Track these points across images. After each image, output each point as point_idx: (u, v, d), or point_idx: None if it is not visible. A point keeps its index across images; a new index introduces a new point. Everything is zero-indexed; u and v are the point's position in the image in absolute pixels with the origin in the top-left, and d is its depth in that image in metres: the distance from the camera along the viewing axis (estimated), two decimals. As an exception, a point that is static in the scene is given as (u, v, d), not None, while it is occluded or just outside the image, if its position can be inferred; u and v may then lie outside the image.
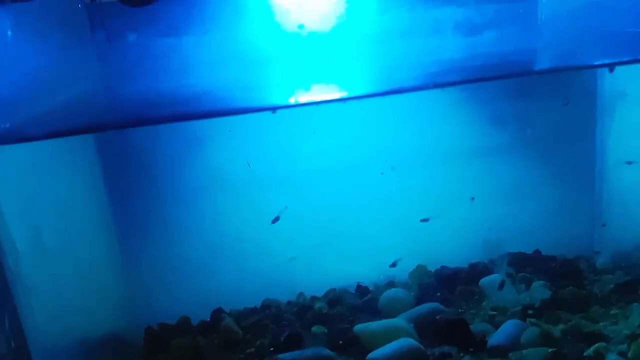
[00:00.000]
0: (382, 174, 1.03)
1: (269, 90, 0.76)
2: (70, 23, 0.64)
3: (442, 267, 1.05)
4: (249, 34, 0.74)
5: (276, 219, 0.99)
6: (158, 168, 0.98)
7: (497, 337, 0.84)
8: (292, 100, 0.74)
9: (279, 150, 1.01)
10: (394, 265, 1.01)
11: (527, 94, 1.05)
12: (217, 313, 0.98)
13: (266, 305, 1.02)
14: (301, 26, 0.74)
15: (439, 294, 0.98)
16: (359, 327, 0.87)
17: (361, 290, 1.04)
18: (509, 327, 0.86)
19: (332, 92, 0.76)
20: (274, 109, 0.73)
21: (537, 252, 1.08)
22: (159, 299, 1.00)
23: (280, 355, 0.81)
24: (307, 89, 0.75)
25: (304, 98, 0.73)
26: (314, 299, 1.04)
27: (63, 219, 0.69)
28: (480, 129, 1.06)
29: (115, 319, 0.86)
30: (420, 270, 1.05)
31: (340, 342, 0.87)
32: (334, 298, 1.01)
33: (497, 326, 0.87)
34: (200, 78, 0.71)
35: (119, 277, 0.93)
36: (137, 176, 0.96)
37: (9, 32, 0.57)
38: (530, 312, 0.89)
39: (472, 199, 1.03)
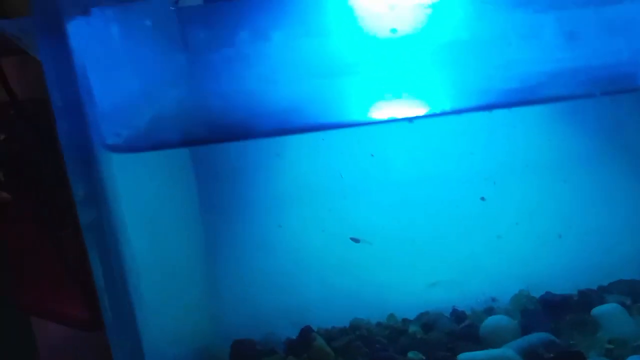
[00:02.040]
0: (482, 199, 0.96)
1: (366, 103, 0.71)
2: (164, 28, 0.62)
3: (547, 293, 0.97)
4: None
5: (356, 240, 0.95)
6: (246, 180, 0.95)
7: (621, 374, 0.76)
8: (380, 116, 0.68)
9: (370, 163, 0.97)
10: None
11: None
12: (307, 332, 0.94)
13: (355, 326, 0.97)
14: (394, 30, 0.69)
15: (545, 323, 0.90)
16: (463, 356, 0.80)
17: (457, 314, 0.97)
18: (633, 363, 0.77)
19: (420, 107, 0.71)
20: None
21: (654, 280, 0.98)
22: (244, 314, 0.97)
23: (381, 383, 0.76)
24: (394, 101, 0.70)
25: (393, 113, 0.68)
26: (405, 321, 0.98)
27: (171, 233, 0.67)
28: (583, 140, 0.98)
29: (208, 334, 0.83)
30: (523, 296, 0.97)
31: (442, 370, 0.81)
32: (428, 322, 0.95)
33: (617, 361, 0.79)
34: (291, 89, 0.67)
35: (207, 291, 0.90)
36: (228, 189, 0.93)
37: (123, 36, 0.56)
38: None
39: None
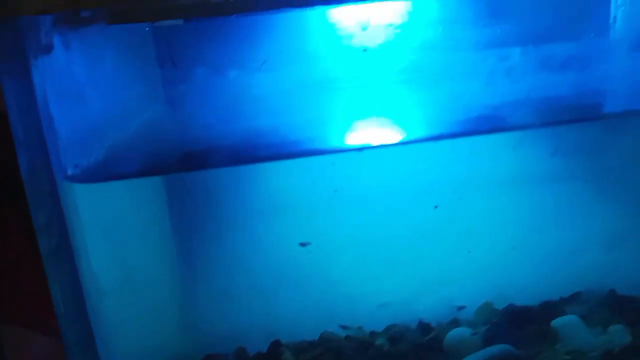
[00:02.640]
0: (436, 207, 0.99)
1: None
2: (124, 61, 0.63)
3: (510, 304, 1.00)
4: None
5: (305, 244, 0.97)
6: (217, 198, 0.97)
7: (576, 385, 0.78)
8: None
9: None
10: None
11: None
12: (276, 346, 0.96)
13: (325, 339, 0.99)
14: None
15: (507, 334, 0.93)
16: (426, 369, 0.83)
17: (423, 327, 0.99)
18: (588, 374, 0.80)
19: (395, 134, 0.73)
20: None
21: (612, 292, 1.01)
22: (216, 329, 0.99)
23: (345, 397, 0.78)
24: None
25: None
26: (373, 334, 1.00)
27: (134, 254, 0.68)
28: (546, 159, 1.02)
29: (178, 350, 0.85)
30: (487, 308, 1.00)
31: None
32: (396, 335, 0.97)
33: (574, 372, 0.82)
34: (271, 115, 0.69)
35: (180, 307, 0.92)
36: (200, 206, 0.95)
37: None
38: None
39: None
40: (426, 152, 0.91)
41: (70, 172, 0.52)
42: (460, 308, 0.98)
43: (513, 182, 0.96)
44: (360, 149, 0.67)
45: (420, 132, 0.66)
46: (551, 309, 0.98)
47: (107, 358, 0.57)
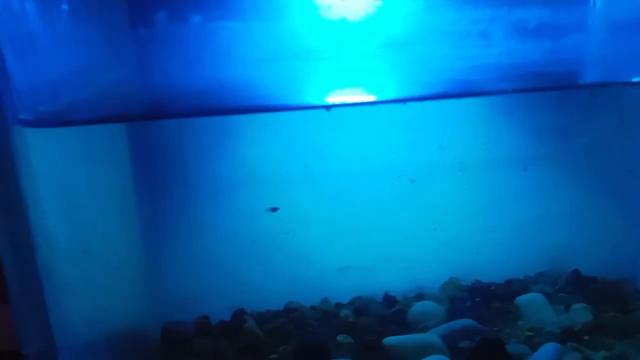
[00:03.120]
0: (399, 177, 0.98)
1: (313, 87, 0.72)
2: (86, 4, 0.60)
3: (476, 281, 1.00)
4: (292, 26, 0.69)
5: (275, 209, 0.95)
6: (185, 162, 0.94)
7: (535, 360, 0.79)
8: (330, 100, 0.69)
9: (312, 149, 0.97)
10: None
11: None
12: (239, 314, 0.94)
13: (290, 309, 0.98)
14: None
15: (472, 310, 0.93)
16: (388, 340, 0.82)
17: (389, 300, 0.99)
18: (547, 350, 0.81)
19: (365, 95, 0.71)
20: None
21: (576, 272, 1.02)
22: (179, 296, 0.97)
23: (306, 365, 0.77)
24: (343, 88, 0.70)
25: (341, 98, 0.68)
26: (339, 305, 1.00)
27: (91, 211, 0.66)
28: (519, 139, 1.01)
29: (135, 316, 0.83)
30: (453, 283, 1.00)
31: (367, 353, 0.82)
32: (361, 307, 0.97)
33: (534, 348, 0.82)
34: (239, 70, 0.67)
35: (140, 271, 0.89)
36: (167, 169, 0.92)
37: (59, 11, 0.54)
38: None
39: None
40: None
41: (23, 116, 0.49)
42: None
43: (494, 160, 0.96)
44: (329, 107, 0.65)
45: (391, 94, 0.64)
46: (516, 286, 0.98)
47: (57, 322, 0.54)
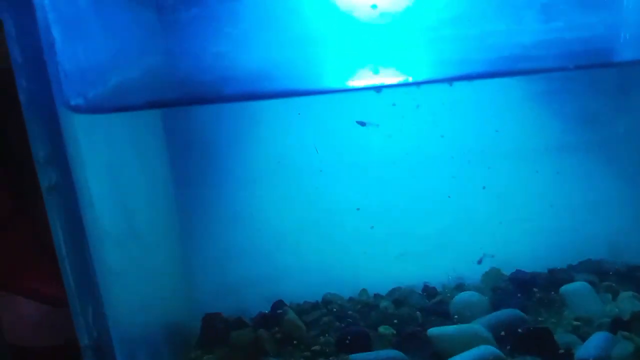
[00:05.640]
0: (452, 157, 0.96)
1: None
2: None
3: (518, 271, 0.98)
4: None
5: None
6: (221, 152, 0.93)
7: (586, 349, 0.77)
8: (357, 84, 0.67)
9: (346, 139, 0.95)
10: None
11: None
12: (279, 305, 0.93)
13: (328, 301, 0.97)
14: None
15: (515, 300, 0.91)
16: (433, 331, 0.81)
17: (428, 291, 0.98)
18: (598, 339, 0.78)
19: (398, 76, 0.69)
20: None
21: (621, 260, 0.99)
22: (218, 288, 0.96)
23: (351, 356, 0.76)
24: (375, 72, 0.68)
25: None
26: (377, 297, 0.98)
27: (140, 198, 0.65)
28: (556, 126, 0.99)
29: (178, 307, 0.82)
30: (494, 273, 0.98)
31: (411, 344, 0.81)
32: (400, 298, 0.95)
33: (582, 338, 0.80)
34: (295, 51, 0.64)
35: (182, 261, 0.89)
36: (202, 161, 0.91)
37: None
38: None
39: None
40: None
41: (74, 102, 0.48)
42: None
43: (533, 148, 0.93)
44: (379, 88, 0.63)
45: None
46: (559, 276, 0.96)
47: (108, 307, 0.54)
